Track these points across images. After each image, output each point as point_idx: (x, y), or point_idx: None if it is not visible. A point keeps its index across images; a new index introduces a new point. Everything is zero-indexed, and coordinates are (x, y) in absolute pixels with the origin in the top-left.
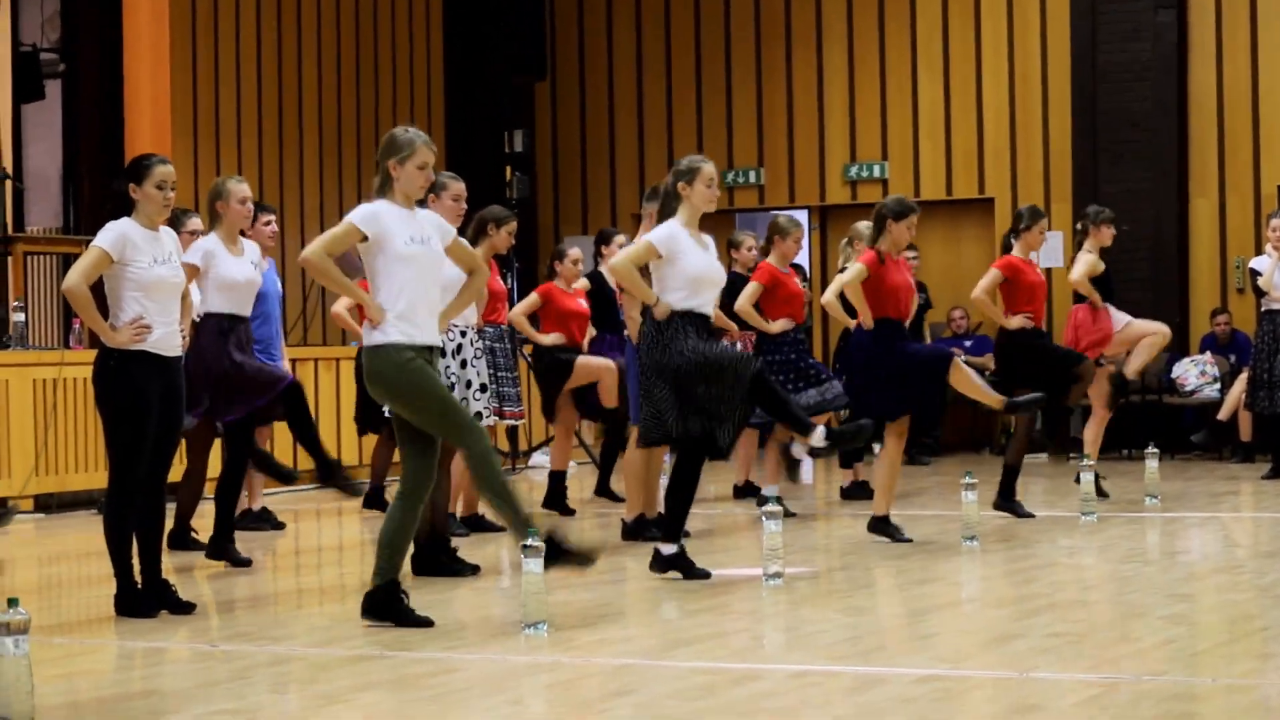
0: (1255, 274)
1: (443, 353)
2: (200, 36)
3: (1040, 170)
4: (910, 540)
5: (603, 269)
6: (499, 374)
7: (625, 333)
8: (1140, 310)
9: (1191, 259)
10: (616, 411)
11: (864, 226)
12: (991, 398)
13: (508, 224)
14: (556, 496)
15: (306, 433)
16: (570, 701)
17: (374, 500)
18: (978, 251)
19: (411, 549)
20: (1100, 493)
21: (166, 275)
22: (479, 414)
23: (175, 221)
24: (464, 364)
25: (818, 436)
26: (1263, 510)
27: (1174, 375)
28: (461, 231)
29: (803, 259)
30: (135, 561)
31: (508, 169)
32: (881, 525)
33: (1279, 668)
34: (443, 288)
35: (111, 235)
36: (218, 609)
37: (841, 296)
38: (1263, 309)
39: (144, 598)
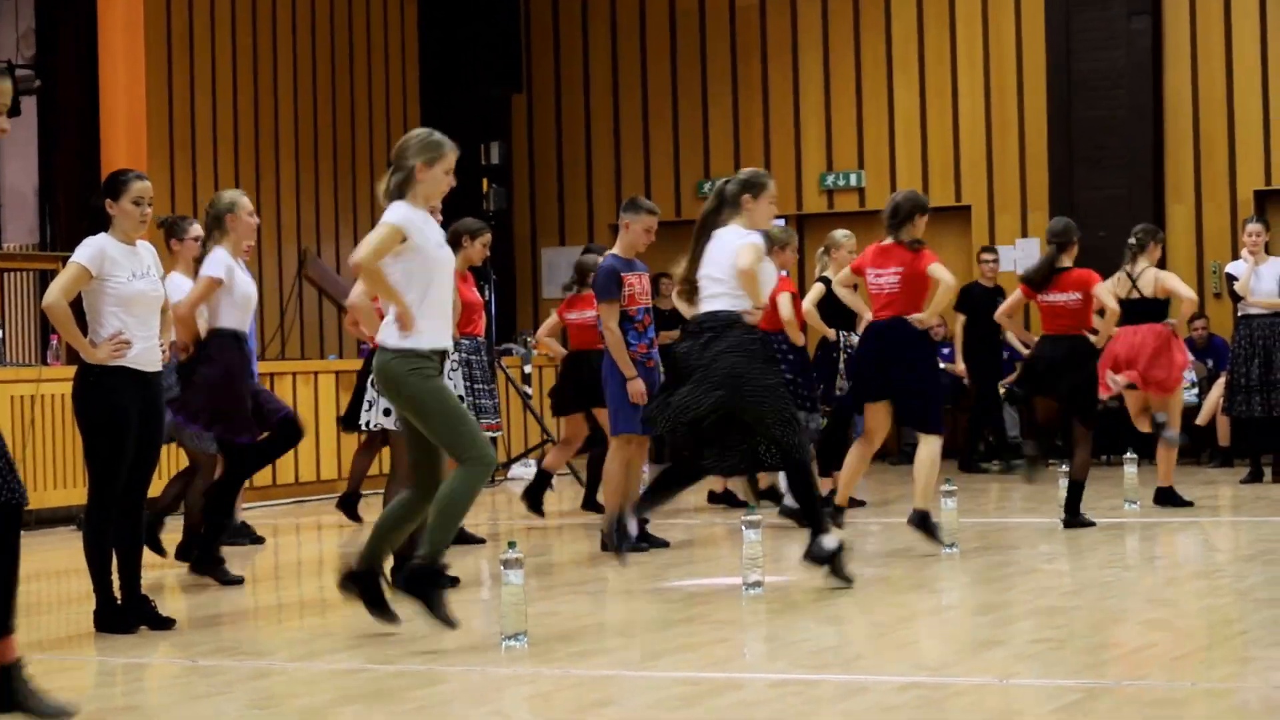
0: (1232, 279)
1: None
2: (175, 51)
3: (1017, 178)
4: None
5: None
6: (475, 386)
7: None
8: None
9: (1169, 265)
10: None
11: (841, 235)
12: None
13: (482, 236)
14: (536, 493)
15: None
16: (551, 713)
17: (348, 505)
18: (955, 260)
19: (391, 562)
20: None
21: (145, 290)
22: None
23: (175, 228)
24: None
25: (830, 541)
26: (1241, 514)
27: None
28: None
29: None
30: (115, 577)
31: (484, 181)
32: (924, 521)
33: (1259, 672)
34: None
35: (90, 250)
36: (198, 624)
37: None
38: (1239, 314)
39: (124, 613)
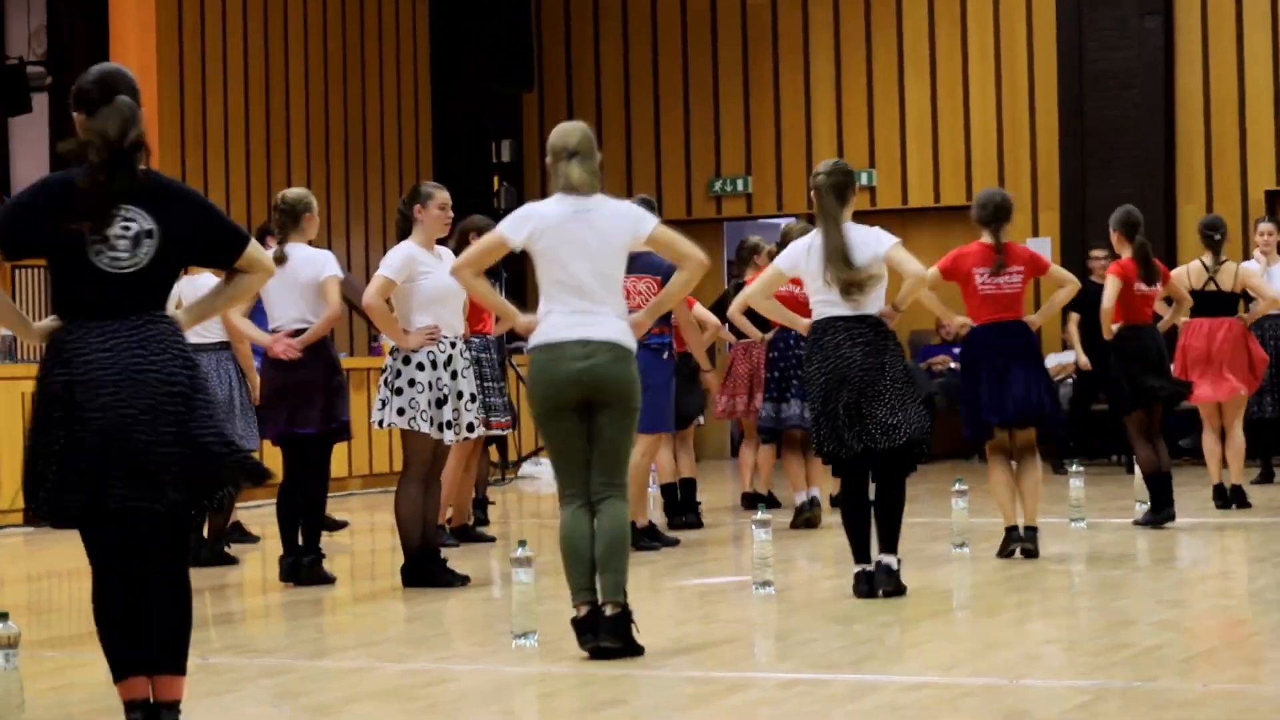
0: None
1: (433, 364)
2: (187, 49)
3: (1028, 177)
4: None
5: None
6: (485, 384)
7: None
8: None
9: (1179, 265)
10: None
11: (792, 225)
12: None
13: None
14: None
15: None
16: (561, 712)
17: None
18: None
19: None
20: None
21: None
22: (470, 425)
23: None
24: (454, 375)
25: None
26: (1252, 515)
27: None
28: (445, 241)
29: None
30: None
31: (495, 179)
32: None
33: (1270, 674)
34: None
35: None
36: (209, 622)
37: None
38: None
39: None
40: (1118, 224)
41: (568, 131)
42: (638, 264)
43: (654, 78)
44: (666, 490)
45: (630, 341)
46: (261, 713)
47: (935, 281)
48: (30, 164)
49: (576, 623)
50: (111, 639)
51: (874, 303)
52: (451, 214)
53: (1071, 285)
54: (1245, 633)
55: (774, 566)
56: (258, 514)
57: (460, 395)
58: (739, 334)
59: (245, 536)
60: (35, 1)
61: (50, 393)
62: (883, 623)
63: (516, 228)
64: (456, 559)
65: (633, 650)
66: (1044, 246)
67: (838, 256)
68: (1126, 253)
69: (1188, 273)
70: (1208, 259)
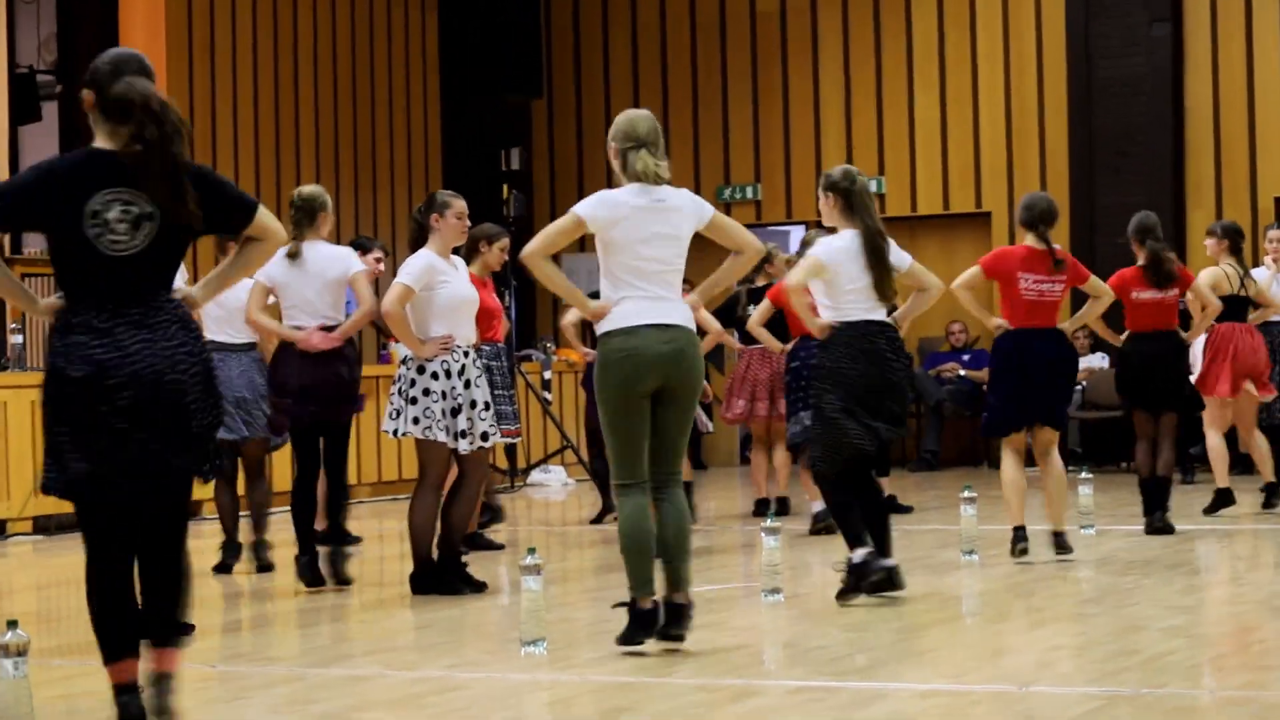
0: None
1: (447, 374)
2: (196, 56)
3: (1037, 184)
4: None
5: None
6: (495, 393)
7: None
8: None
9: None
10: None
11: (813, 234)
12: None
13: (499, 241)
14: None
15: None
16: (570, 719)
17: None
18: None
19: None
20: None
21: None
22: (485, 434)
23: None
24: (468, 384)
25: (859, 554)
26: (1261, 522)
27: None
28: (457, 250)
29: None
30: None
31: (504, 187)
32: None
33: (1279, 680)
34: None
35: None
36: (217, 630)
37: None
38: (1259, 322)
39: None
40: (1130, 230)
41: (635, 120)
42: None
43: (663, 85)
44: None
45: (695, 327)
46: None
47: (975, 280)
48: None
49: (642, 615)
50: (109, 617)
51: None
52: (468, 223)
53: (1107, 298)
54: (1255, 639)
55: (785, 573)
56: (281, 518)
57: (474, 404)
58: (747, 339)
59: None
60: (45, 10)
61: (58, 372)
62: (892, 630)
63: (594, 211)
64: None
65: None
66: None
67: (885, 257)
68: (1142, 258)
69: (1223, 277)
70: (1234, 263)
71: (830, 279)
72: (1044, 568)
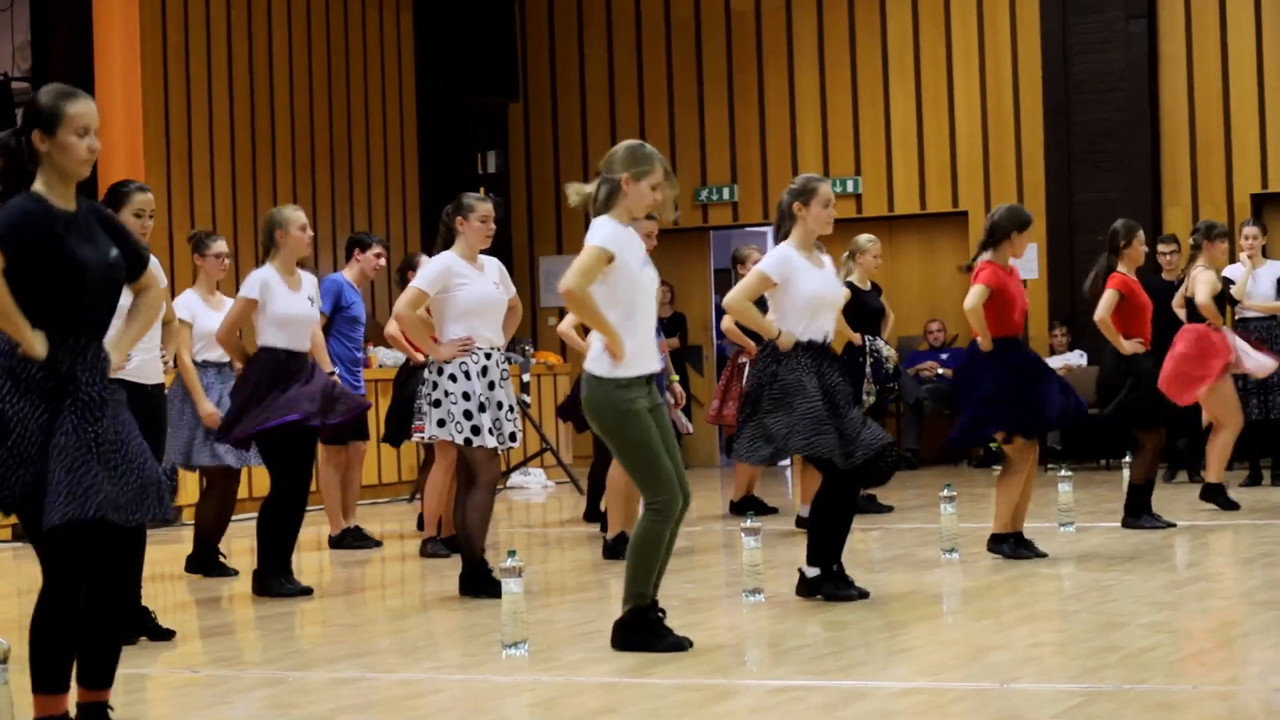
0: (1228, 282)
1: (466, 375)
2: (172, 62)
3: (1014, 182)
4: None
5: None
6: None
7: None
8: None
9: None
10: None
11: (865, 240)
12: None
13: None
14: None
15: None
16: None
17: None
18: (952, 265)
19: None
20: (1229, 503)
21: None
22: (513, 434)
23: (200, 244)
24: (491, 385)
25: (810, 569)
26: (1241, 517)
27: None
28: (487, 252)
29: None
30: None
31: (481, 190)
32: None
33: (1260, 675)
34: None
35: None
36: (198, 635)
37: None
38: (1237, 317)
39: (123, 625)
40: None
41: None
42: None
43: (639, 87)
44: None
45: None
46: None
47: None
48: None
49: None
50: (63, 653)
51: None
52: (493, 226)
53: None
54: (1236, 634)
55: (766, 573)
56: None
57: (500, 405)
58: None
59: (365, 541)
60: (19, 18)
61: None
62: (873, 628)
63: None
64: (448, 569)
65: None
66: (1031, 251)
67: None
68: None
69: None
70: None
71: (782, 290)
72: (1025, 565)
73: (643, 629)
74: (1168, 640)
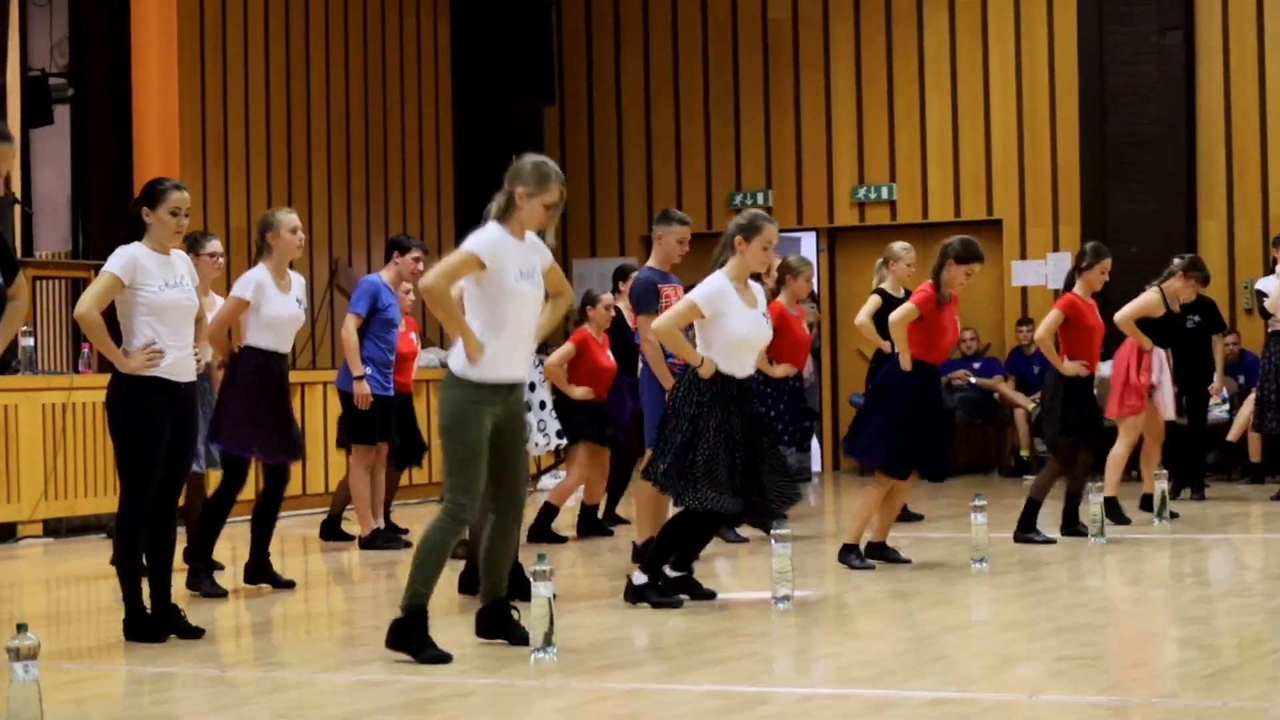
0: (1262, 295)
1: None
2: (209, 61)
3: (1048, 192)
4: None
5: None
6: None
7: (640, 367)
8: None
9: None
10: (626, 440)
11: (900, 247)
12: None
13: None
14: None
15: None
16: None
17: (330, 530)
18: (985, 273)
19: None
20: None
21: (179, 298)
22: (559, 431)
23: (195, 244)
24: (532, 385)
25: (639, 576)
26: (1272, 532)
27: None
28: None
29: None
30: (144, 586)
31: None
32: (845, 553)
33: None
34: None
35: (122, 260)
36: (227, 634)
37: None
38: (1270, 330)
39: (153, 623)
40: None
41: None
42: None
43: (675, 92)
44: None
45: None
46: None
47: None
48: (52, 175)
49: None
50: None
51: None
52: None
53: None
54: (1265, 649)
55: (795, 580)
56: (292, 523)
57: (543, 405)
58: None
59: (395, 541)
60: (57, 14)
61: None
62: (901, 638)
63: None
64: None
65: None
66: (1063, 261)
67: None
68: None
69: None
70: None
71: (713, 321)
72: (1054, 577)
73: (413, 632)
74: (1198, 655)
